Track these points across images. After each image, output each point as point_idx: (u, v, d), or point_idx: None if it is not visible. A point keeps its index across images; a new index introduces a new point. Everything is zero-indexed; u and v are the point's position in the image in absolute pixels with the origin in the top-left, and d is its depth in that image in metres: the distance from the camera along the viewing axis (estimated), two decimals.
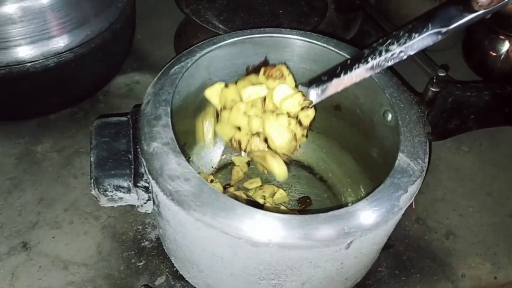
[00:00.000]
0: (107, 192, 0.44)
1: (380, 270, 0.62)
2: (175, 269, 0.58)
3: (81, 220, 0.63)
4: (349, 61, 0.50)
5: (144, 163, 0.44)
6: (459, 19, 0.44)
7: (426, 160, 0.46)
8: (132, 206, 0.61)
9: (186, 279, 0.55)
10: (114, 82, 0.82)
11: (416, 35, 0.45)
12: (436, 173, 0.74)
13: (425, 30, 0.45)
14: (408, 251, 0.64)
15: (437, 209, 0.69)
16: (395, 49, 0.46)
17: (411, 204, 0.45)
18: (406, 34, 0.46)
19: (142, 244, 0.62)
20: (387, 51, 0.46)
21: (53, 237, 0.61)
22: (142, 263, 0.60)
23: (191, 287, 0.56)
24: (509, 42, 0.81)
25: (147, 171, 0.43)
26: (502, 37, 0.81)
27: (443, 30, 0.44)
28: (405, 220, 0.67)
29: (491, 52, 0.83)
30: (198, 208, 0.40)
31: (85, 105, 0.77)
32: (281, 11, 0.77)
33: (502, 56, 0.83)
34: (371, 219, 0.41)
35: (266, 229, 0.39)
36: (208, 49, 0.53)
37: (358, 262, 0.47)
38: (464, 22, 0.44)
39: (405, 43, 0.45)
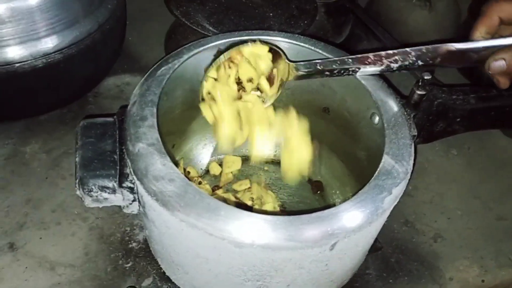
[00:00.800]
0: (92, 193, 0.44)
1: (368, 273, 0.62)
2: (162, 270, 0.58)
3: (68, 221, 0.63)
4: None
5: (129, 164, 0.44)
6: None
7: (411, 162, 0.46)
8: (120, 207, 0.62)
9: (173, 281, 0.54)
10: (104, 83, 0.82)
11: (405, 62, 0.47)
12: (424, 176, 0.74)
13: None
14: (396, 254, 0.64)
15: (425, 212, 0.70)
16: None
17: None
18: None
19: (130, 245, 0.62)
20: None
21: (40, 238, 0.61)
22: (129, 265, 0.60)
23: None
24: None
25: (132, 172, 0.43)
26: None
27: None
28: (393, 223, 0.68)
29: None
30: (182, 209, 0.40)
31: (74, 106, 0.77)
32: (271, 14, 0.77)
33: None
34: (354, 220, 0.41)
35: (250, 230, 0.39)
36: (196, 50, 0.53)
37: (343, 264, 0.47)
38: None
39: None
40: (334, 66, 0.49)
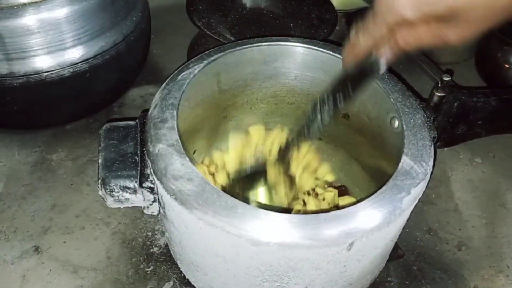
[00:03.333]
0: (113, 193, 0.45)
1: (389, 280, 0.61)
2: (182, 275, 0.59)
3: (92, 226, 0.65)
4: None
5: (150, 164, 0.44)
6: None
7: (431, 163, 0.46)
8: (141, 211, 0.63)
9: (192, 284, 0.55)
10: (129, 93, 0.84)
11: None
12: (448, 184, 0.73)
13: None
14: (418, 262, 0.63)
15: (449, 220, 0.68)
16: None
17: None
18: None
19: (151, 250, 0.63)
20: None
21: (64, 242, 0.63)
22: (150, 269, 0.61)
23: None
24: None
25: (152, 172, 0.44)
26: None
27: None
28: (416, 231, 0.67)
29: (504, 64, 0.82)
30: (200, 207, 0.40)
31: (100, 116, 0.79)
32: (291, 24, 0.78)
33: None
34: (372, 220, 0.41)
35: (267, 228, 0.40)
36: (216, 56, 0.54)
37: (362, 267, 0.46)
38: None
39: None
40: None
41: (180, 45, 0.92)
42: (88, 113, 0.78)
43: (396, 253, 0.62)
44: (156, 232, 0.64)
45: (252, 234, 0.39)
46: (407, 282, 0.61)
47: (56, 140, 0.75)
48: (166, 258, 0.61)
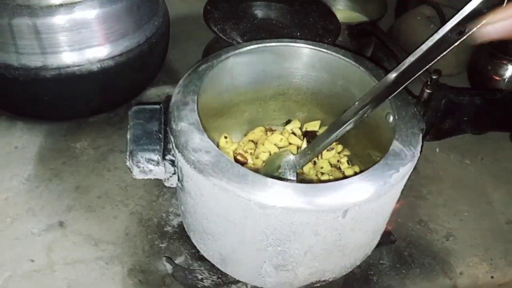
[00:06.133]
0: (139, 163, 0.51)
1: (382, 263, 0.67)
2: (193, 250, 0.65)
3: (112, 206, 0.71)
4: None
5: (172, 139, 0.51)
6: None
7: (418, 148, 0.52)
8: (158, 196, 0.69)
9: (202, 254, 0.60)
10: (146, 92, 0.91)
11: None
12: (439, 182, 0.79)
13: None
14: (409, 248, 0.69)
15: (439, 213, 0.74)
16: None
17: None
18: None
19: (165, 229, 0.69)
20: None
21: (87, 219, 0.69)
22: (164, 245, 0.66)
23: (207, 265, 0.62)
24: (511, 66, 0.87)
25: (174, 146, 0.51)
26: (505, 62, 0.87)
27: None
28: (408, 221, 0.73)
29: (494, 77, 0.89)
30: (216, 174, 0.47)
31: (120, 111, 0.86)
32: (298, 34, 0.85)
33: (505, 80, 0.88)
34: (364, 191, 0.47)
35: (273, 194, 0.46)
36: (232, 53, 0.61)
37: (355, 238, 0.52)
38: None
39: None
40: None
41: (195, 51, 0.99)
42: (110, 108, 0.85)
43: (389, 239, 0.68)
44: (170, 214, 0.70)
45: (260, 198, 0.46)
46: (398, 265, 0.67)
47: (80, 130, 0.82)
48: (179, 237, 0.67)
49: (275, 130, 0.74)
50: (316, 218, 0.47)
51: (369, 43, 0.99)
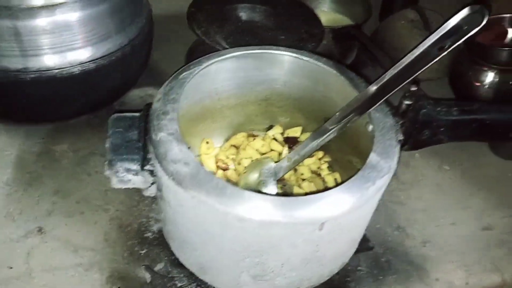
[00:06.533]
0: (118, 173, 0.51)
1: (359, 269, 0.68)
2: (173, 257, 0.65)
3: (91, 212, 0.71)
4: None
5: (152, 150, 0.51)
6: None
7: (395, 160, 0.53)
8: (138, 201, 0.69)
9: (181, 262, 0.61)
10: (129, 94, 0.90)
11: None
12: (418, 187, 0.80)
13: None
14: (386, 254, 0.70)
15: (416, 219, 0.75)
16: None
17: None
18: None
19: (145, 235, 0.69)
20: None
21: (66, 224, 0.68)
22: (144, 251, 0.67)
23: (186, 272, 0.63)
24: (491, 72, 0.88)
25: (153, 156, 0.51)
26: (485, 68, 0.88)
27: None
28: (386, 227, 0.74)
29: (474, 82, 0.90)
30: (194, 187, 0.47)
31: (101, 113, 0.85)
32: (283, 37, 0.85)
33: (485, 86, 0.90)
34: (341, 204, 0.48)
35: (251, 207, 0.46)
36: (214, 60, 0.61)
37: (332, 248, 0.53)
38: None
39: None
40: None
41: (178, 52, 0.98)
42: (91, 110, 0.84)
43: (367, 246, 0.69)
44: (150, 219, 0.70)
45: (238, 211, 0.46)
46: (375, 272, 0.68)
47: (60, 133, 0.81)
48: (159, 243, 0.67)
49: (257, 136, 0.74)
50: (293, 231, 0.48)
51: (353, 47, 0.99)
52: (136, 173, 0.52)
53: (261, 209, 0.46)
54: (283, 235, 0.48)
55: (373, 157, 0.52)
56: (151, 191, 0.54)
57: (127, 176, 0.52)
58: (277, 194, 0.65)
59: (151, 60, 0.96)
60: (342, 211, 0.48)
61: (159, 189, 0.53)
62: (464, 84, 0.93)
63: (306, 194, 0.69)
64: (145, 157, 0.52)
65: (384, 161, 0.52)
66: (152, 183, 0.53)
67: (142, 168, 0.52)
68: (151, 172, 0.52)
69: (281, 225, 0.47)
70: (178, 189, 0.48)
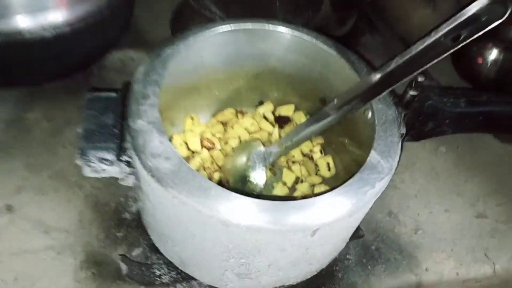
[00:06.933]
0: (90, 163, 0.46)
1: (348, 258, 0.65)
2: (152, 242, 0.61)
3: (65, 188, 0.66)
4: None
5: (129, 139, 0.46)
6: None
7: (397, 159, 0.49)
8: (116, 178, 0.64)
9: (162, 252, 0.57)
10: (109, 57, 0.83)
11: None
12: (412, 171, 0.77)
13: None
14: (376, 242, 0.67)
15: (409, 204, 0.72)
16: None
17: None
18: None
19: (123, 216, 0.64)
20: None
21: (37, 202, 0.64)
22: (121, 234, 0.63)
23: (166, 259, 0.59)
24: (496, 49, 0.83)
25: (131, 147, 0.45)
26: (490, 45, 0.83)
27: None
28: (377, 213, 0.70)
29: (478, 59, 0.85)
30: (175, 186, 0.42)
31: (78, 77, 0.79)
32: (277, 3, 0.78)
33: (489, 63, 0.85)
34: (336, 210, 0.44)
35: (238, 211, 0.42)
36: (201, 33, 0.55)
37: (323, 249, 0.50)
38: None
39: None
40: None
41: (164, 10, 0.90)
42: (67, 74, 0.77)
43: (357, 234, 0.66)
44: (129, 199, 0.66)
45: (222, 215, 0.42)
46: (364, 261, 0.65)
47: (33, 99, 0.75)
48: (137, 225, 0.63)
49: (246, 113, 0.69)
50: (283, 237, 0.44)
51: (352, 14, 0.92)
52: (111, 163, 0.47)
53: (249, 213, 0.42)
54: (271, 240, 0.44)
55: (373, 156, 0.48)
56: (128, 181, 0.49)
57: (100, 166, 0.47)
58: (265, 190, 0.61)
59: (134, 20, 0.88)
60: (336, 217, 0.44)
61: (137, 179, 0.48)
62: (466, 60, 0.87)
63: (296, 181, 0.65)
64: (121, 145, 0.47)
65: (385, 161, 0.47)
66: (130, 174, 0.48)
67: (118, 159, 0.46)
68: (129, 163, 0.47)
69: (270, 232, 0.43)
70: (158, 187, 0.43)
